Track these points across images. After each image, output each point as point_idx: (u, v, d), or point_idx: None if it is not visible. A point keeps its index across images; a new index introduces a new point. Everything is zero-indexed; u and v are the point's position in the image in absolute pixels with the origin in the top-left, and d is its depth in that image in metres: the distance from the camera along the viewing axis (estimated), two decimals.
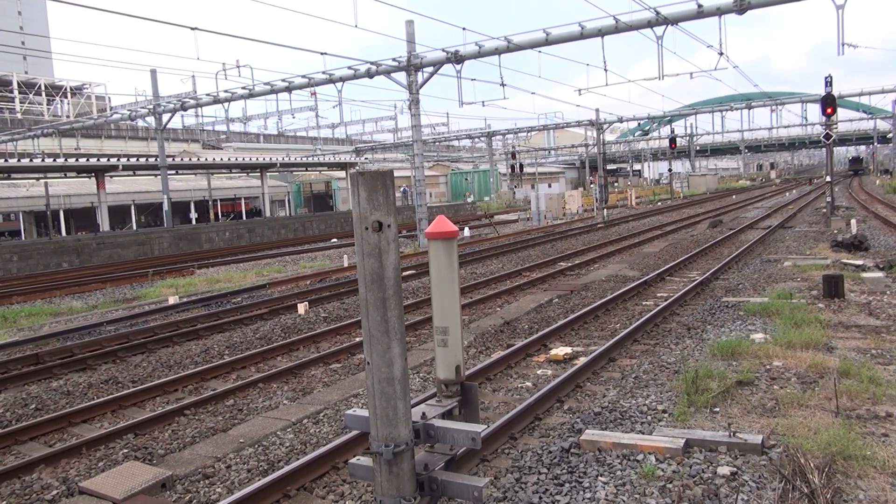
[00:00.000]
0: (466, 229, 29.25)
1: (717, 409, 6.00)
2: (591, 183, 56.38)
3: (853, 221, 20.14)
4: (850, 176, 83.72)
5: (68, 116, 51.04)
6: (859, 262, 13.69)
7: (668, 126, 71.76)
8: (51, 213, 31.61)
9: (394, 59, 23.08)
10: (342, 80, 24.46)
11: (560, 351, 8.57)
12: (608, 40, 20.58)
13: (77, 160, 34.53)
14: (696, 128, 70.87)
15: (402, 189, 54.29)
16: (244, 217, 47.51)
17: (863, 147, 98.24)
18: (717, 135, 76.49)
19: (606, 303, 11.45)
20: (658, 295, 12.44)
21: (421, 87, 23.33)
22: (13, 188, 38.62)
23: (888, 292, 10.78)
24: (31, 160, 35.02)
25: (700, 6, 18.72)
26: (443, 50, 22.45)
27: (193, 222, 40.63)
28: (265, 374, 8.41)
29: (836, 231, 20.03)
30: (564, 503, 4.54)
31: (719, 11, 18.68)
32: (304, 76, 25.12)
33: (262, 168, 43.06)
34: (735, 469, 4.74)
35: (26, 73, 55.32)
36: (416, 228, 25.33)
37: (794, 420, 5.58)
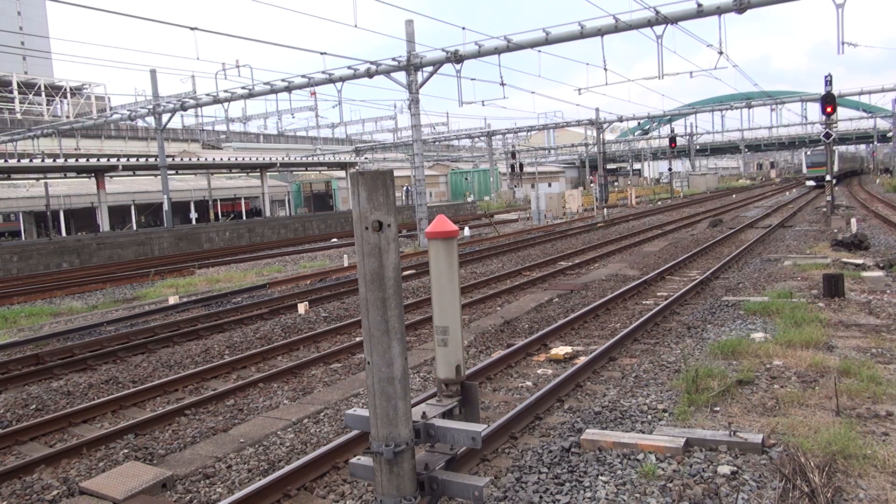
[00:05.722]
0: (466, 229, 29.23)
1: (718, 409, 6.01)
2: (591, 182, 56.35)
3: (853, 220, 20.12)
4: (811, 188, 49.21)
5: (68, 116, 51.05)
6: (859, 261, 13.69)
7: (668, 125, 71.88)
8: (51, 214, 31.62)
9: (393, 59, 23.07)
10: (342, 79, 24.46)
11: (560, 350, 8.56)
12: (608, 40, 20.64)
13: (77, 160, 34.52)
14: (696, 127, 70.89)
15: (403, 189, 54.29)
16: (244, 217, 47.51)
17: (862, 146, 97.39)
18: (717, 134, 76.61)
19: (606, 302, 11.45)
20: (658, 294, 12.44)
21: (421, 87, 23.33)
22: (13, 188, 38.63)
23: (888, 291, 10.79)
24: (30, 160, 35.01)
25: (700, 5, 18.71)
26: (442, 49, 22.45)
27: (193, 222, 40.63)
28: (265, 374, 8.41)
29: (836, 230, 20.02)
30: (565, 502, 4.54)
31: (719, 10, 18.67)
32: (303, 76, 25.12)
33: (262, 168, 43.06)
34: (735, 468, 4.74)
35: (26, 73, 55.32)
36: (417, 228, 25.33)
37: (794, 419, 5.59)
